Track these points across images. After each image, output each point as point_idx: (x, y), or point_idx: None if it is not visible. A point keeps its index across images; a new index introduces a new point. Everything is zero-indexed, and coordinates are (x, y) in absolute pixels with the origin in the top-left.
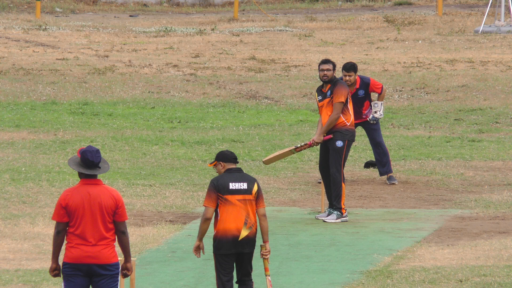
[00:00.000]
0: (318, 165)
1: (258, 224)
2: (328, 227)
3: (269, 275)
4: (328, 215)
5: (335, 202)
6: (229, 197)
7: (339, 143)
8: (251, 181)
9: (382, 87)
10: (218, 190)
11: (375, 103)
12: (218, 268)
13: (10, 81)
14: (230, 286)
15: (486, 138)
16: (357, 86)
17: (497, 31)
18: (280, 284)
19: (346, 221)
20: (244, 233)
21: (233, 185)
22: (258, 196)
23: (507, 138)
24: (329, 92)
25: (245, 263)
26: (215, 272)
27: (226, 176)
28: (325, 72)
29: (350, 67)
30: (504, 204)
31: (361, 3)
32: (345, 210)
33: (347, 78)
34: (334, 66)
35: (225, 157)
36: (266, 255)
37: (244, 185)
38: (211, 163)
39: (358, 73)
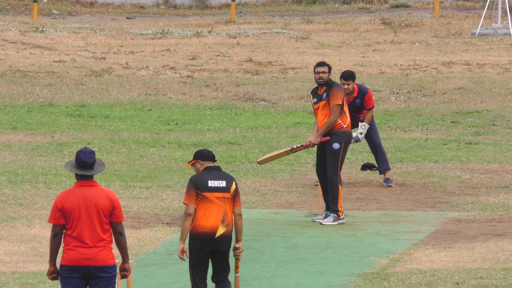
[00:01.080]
0: (315, 167)
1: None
2: (325, 229)
3: (238, 273)
4: (325, 217)
5: (332, 205)
6: (207, 194)
7: (335, 145)
8: (229, 179)
9: (373, 107)
10: (197, 187)
11: (363, 125)
12: (192, 264)
13: (7, 83)
14: (201, 282)
15: (483, 140)
16: (355, 94)
17: (494, 33)
18: (276, 286)
19: (343, 223)
20: (221, 230)
21: (212, 183)
22: (236, 194)
23: (503, 141)
24: (325, 95)
25: (221, 260)
26: (189, 268)
27: (205, 174)
28: (321, 74)
29: (348, 76)
30: (501, 207)
31: (358, 5)
32: (342, 212)
33: (346, 86)
34: (330, 68)
35: (203, 155)
36: (239, 255)
37: (223, 183)
38: (189, 162)
39: (356, 81)
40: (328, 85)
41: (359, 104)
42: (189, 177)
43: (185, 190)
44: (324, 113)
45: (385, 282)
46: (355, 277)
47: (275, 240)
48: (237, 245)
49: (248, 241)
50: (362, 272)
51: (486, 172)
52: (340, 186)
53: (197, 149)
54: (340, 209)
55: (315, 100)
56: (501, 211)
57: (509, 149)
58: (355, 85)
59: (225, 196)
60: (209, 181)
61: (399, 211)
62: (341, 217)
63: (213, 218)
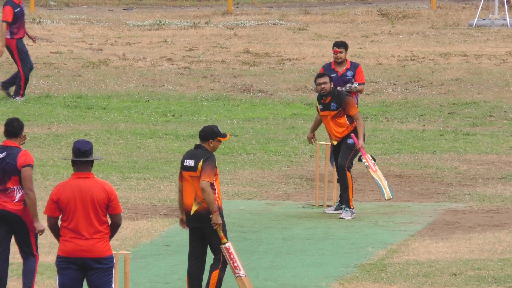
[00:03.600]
0: (312, 158)
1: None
2: (322, 220)
3: (224, 244)
4: (336, 209)
5: (344, 196)
6: (183, 173)
7: (350, 141)
8: (198, 158)
9: (364, 83)
10: (180, 166)
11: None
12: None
13: (4, 74)
14: (192, 259)
15: (480, 131)
16: (347, 66)
17: (491, 24)
18: (274, 277)
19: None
20: (194, 208)
21: (186, 162)
22: (201, 171)
23: (501, 132)
24: (333, 105)
25: (206, 238)
26: None
27: (186, 153)
28: (322, 85)
29: (341, 44)
30: (498, 198)
31: None
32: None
33: (338, 54)
34: (331, 78)
35: (199, 135)
36: (214, 226)
37: (191, 162)
38: None
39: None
40: (333, 95)
41: (351, 77)
42: None
43: None
44: (336, 123)
45: (382, 273)
46: (352, 268)
47: (273, 231)
48: (211, 217)
49: (245, 232)
50: (360, 263)
51: (483, 163)
52: (348, 173)
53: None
54: (351, 200)
55: (321, 107)
56: (498, 202)
57: (506, 140)
58: (347, 60)
59: (193, 175)
60: (185, 160)
61: (396, 202)
62: (353, 209)
63: (189, 196)
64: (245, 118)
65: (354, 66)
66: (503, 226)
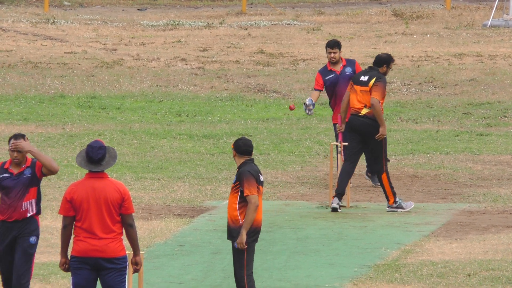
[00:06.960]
0: (326, 159)
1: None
2: (336, 221)
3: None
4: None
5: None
6: (260, 187)
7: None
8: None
9: None
10: (256, 180)
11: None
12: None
13: (18, 74)
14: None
15: (494, 132)
16: (344, 63)
17: (506, 25)
18: (288, 278)
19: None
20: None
21: (261, 177)
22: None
23: None
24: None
25: None
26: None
27: (255, 167)
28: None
29: (334, 44)
30: None
31: None
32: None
33: (332, 55)
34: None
35: (239, 149)
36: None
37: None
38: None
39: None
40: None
41: (350, 73)
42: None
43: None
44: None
45: (396, 274)
46: (366, 269)
47: (286, 231)
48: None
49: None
50: (374, 264)
51: (498, 163)
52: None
53: (237, 139)
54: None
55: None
56: None
57: None
58: (342, 59)
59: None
60: (260, 175)
61: None
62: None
63: (260, 212)
64: (259, 119)
65: (351, 62)
66: None
